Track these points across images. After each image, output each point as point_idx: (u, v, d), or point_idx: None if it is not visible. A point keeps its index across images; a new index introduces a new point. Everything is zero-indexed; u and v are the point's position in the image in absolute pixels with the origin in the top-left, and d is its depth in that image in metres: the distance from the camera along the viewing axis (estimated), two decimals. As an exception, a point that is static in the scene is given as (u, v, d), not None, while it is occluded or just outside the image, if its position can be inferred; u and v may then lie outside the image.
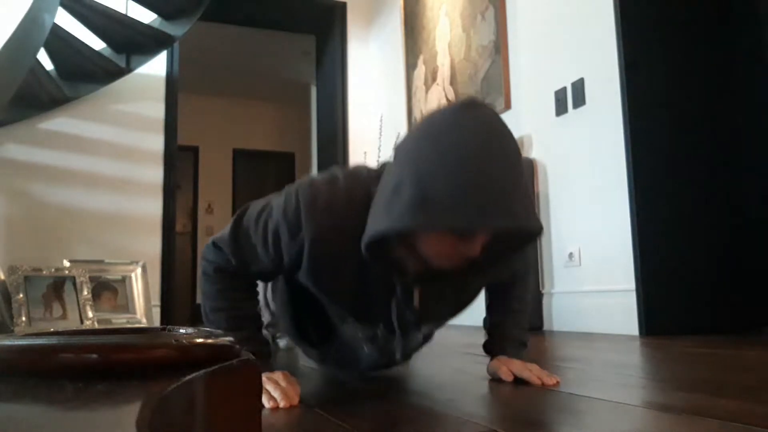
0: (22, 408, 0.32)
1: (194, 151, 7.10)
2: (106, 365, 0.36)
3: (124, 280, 3.30)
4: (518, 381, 1.13)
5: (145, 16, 3.61)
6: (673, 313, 2.25)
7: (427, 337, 1.24)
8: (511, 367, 1.15)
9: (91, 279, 3.14)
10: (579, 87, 2.65)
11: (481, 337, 1.28)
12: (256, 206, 1.08)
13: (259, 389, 0.51)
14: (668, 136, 2.38)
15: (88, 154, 3.55)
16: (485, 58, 3.35)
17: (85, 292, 3.05)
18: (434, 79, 3.93)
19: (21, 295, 2.88)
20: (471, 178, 0.84)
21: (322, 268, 1.03)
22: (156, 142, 3.71)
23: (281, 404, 0.94)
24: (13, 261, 3.05)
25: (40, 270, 3.01)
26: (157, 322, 3.44)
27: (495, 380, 1.17)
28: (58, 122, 3.51)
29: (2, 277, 2.90)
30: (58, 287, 3.01)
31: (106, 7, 3.32)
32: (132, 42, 3.53)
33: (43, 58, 3.23)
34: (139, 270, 3.35)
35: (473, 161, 0.84)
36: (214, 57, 6.20)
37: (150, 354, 0.37)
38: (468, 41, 3.53)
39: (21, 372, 0.36)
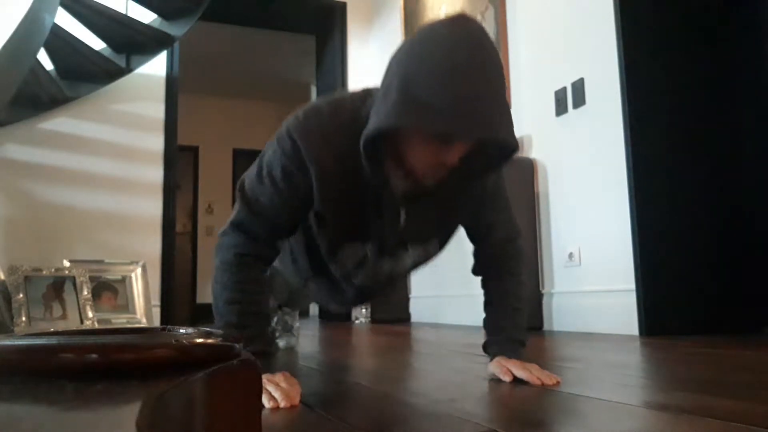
0: (22, 408, 0.32)
1: (194, 151, 7.10)
2: (106, 365, 0.36)
3: (124, 280, 3.30)
4: (518, 381, 1.13)
5: (145, 16, 3.61)
6: (673, 313, 2.25)
7: (415, 266, 1.31)
8: (510, 367, 1.15)
9: (91, 279, 3.14)
10: (579, 87, 2.65)
11: (481, 337, 1.28)
12: (250, 172, 1.14)
13: (259, 389, 0.51)
14: (668, 136, 2.38)
15: (88, 154, 3.55)
16: (485, 58, 3.35)
17: (85, 292, 3.05)
18: (434, 79, 3.93)
19: (21, 295, 2.88)
20: (456, 86, 0.89)
21: (327, 190, 1.08)
22: (156, 142, 3.72)
23: (282, 404, 0.94)
24: (13, 261, 3.05)
25: (40, 270, 3.01)
26: (157, 322, 3.44)
27: (495, 380, 1.17)
28: (58, 122, 3.51)
29: (2, 277, 2.90)
30: (58, 287, 3.01)
31: (106, 7, 3.32)
32: (132, 42, 3.53)
33: (43, 58, 3.23)
34: (139, 270, 3.35)
35: (459, 70, 0.90)
36: (214, 57, 6.20)
37: (150, 354, 0.37)
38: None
39: (21, 372, 0.36)
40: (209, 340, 0.42)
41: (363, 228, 1.16)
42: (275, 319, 1.99)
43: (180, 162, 4.28)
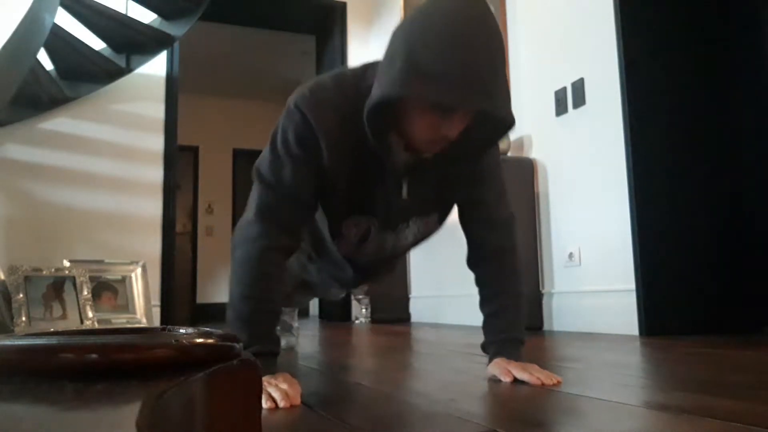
0: (22, 408, 0.32)
1: (194, 151, 7.10)
2: (106, 365, 0.36)
3: (124, 280, 3.30)
4: (518, 381, 1.13)
5: (145, 16, 3.61)
6: (673, 313, 2.25)
7: (415, 242, 1.33)
8: (510, 367, 1.15)
9: (91, 279, 3.14)
10: (579, 87, 2.65)
11: (481, 338, 1.28)
12: (263, 158, 1.16)
13: (259, 389, 0.51)
14: (668, 136, 2.38)
15: (88, 154, 3.55)
16: (485, 58, 3.35)
17: (85, 292, 3.05)
18: (434, 79, 3.92)
19: (21, 295, 2.88)
20: (459, 58, 0.92)
21: (337, 160, 1.10)
22: (156, 142, 3.72)
23: (281, 404, 0.94)
24: (13, 261, 3.05)
25: (40, 270, 3.01)
26: (157, 322, 3.44)
27: (495, 380, 1.17)
28: (58, 122, 3.51)
29: (2, 277, 2.90)
30: (58, 287, 3.01)
31: (106, 7, 3.32)
32: (132, 42, 3.53)
33: (43, 58, 3.23)
34: (139, 270, 3.35)
35: (463, 43, 0.93)
36: (214, 57, 6.20)
37: (150, 354, 0.37)
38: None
39: (21, 372, 0.36)
40: (209, 340, 0.42)
41: (368, 200, 1.19)
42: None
43: (180, 162, 4.28)
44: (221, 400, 0.41)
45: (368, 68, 1.12)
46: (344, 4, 4.69)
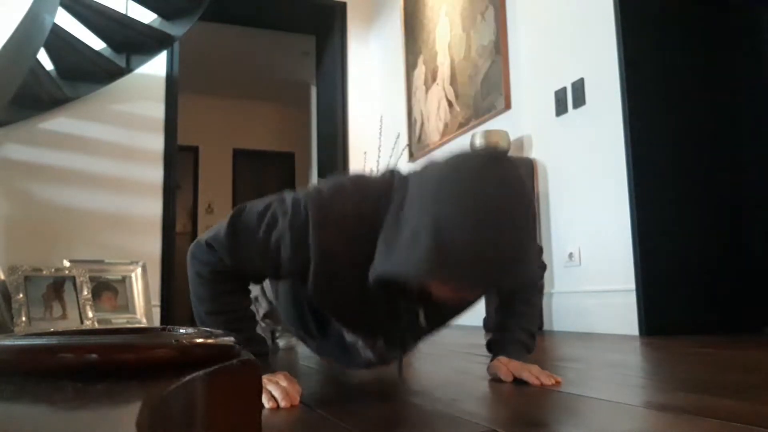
0: (22, 408, 0.32)
1: (194, 151, 7.10)
2: (106, 365, 0.36)
3: (124, 280, 3.30)
4: (518, 381, 1.13)
5: (145, 16, 3.61)
6: (673, 313, 2.25)
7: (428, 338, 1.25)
8: (510, 367, 1.15)
9: (91, 279, 3.14)
10: (579, 87, 2.65)
11: (481, 337, 1.28)
12: (253, 209, 1.04)
13: (259, 389, 0.51)
14: (668, 136, 2.38)
15: (88, 154, 3.55)
16: (485, 58, 3.35)
17: (85, 292, 3.05)
18: (434, 79, 3.93)
19: (21, 295, 2.88)
20: (488, 243, 0.84)
21: (326, 284, 1.01)
22: (156, 142, 3.72)
23: (282, 404, 0.94)
24: (13, 261, 3.05)
25: (40, 270, 3.01)
26: (157, 322, 3.44)
27: (495, 380, 1.17)
28: (58, 122, 3.51)
29: (2, 277, 2.90)
30: (58, 287, 3.01)
31: (106, 7, 3.32)
32: (132, 42, 3.53)
33: (43, 58, 3.23)
34: (139, 270, 3.35)
35: (493, 225, 0.85)
36: (214, 57, 6.20)
37: (150, 354, 0.37)
38: (468, 41, 3.53)
39: (21, 372, 0.36)
40: (209, 340, 0.42)
41: (371, 326, 1.12)
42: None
43: (180, 162, 4.28)
44: (221, 400, 0.41)
45: (389, 191, 0.98)
46: (344, 4, 4.69)
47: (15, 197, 3.39)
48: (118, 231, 3.54)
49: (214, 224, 1.12)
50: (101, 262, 3.29)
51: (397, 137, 4.31)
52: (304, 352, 1.95)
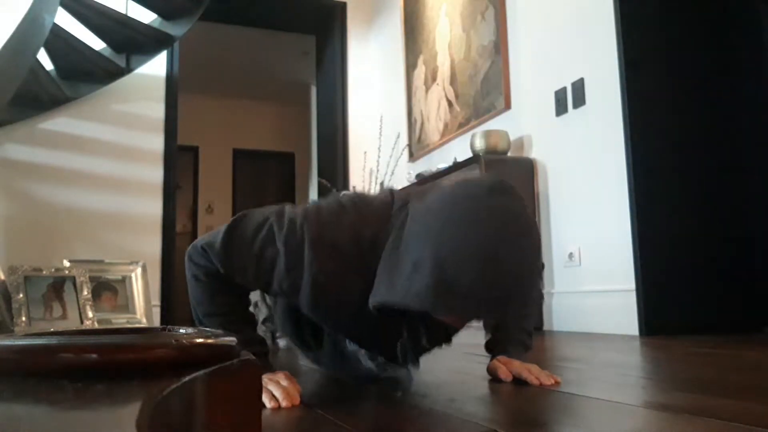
0: (22, 408, 0.32)
1: (194, 151, 7.10)
2: (106, 365, 0.36)
3: (124, 280, 3.30)
4: (518, 381, 1.13)
5: (145, 16, 3.61)
6: (673, 313, 2.25)
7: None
8: (510, 367, 1.15)
9: (91, 279, 3.14)
10: (579, 87, 2.65)
11: (481, 338, 1.28)
12: (252, 220, 1.03)
13: (259, 389, 0.51)
14: (668, 136, 2.38)
15: (88, 154, 3.55)
16: (485, 58, 3.35)
17: (85, 292, 3.05)
18: (434, 79, 3.93)
19: (21, 295, 2.88)
20: (491, 275, 0.83)
21: (322, 303, 1.01)
22: (156, 142, 3.72)
23: (283, 404, 0.94)
24: (13, 261, 3.05)
25: (40, 270, 3.01)
26: (157, 322, 3.44)
27: (495, 380, 1.17)
28: (58, 122, 3.51)
29: (2, 277, 2.90)
30: (58, 287, 3.01)
31: (106, 7, 3.32)
32: (132, 42, 3.53)
33: (43, 58, 3.23)
34: (139, 270, 3.35)
35: (496, 257, 0.83)
36: (214, 57, 6.20)
37: (150, 354, 0.37)
38: (468, 41, 3.53)
39: (21, 372, 0.36)
40: (209, 340, 0.42)
41: (368, 342, 1.12)
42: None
43: (180, 162, 4.28)
44: (221, 400, 0.41)
45: (388, 216, 0.98)
46: (344, 4, 4.69)
47: (15, 197, 3.39)
48: (118, 231, 3.54)
49: (214, 224, 1.13)
50: (101, 262, 3.29)
51: (397, 137, 4.31)
52: (304, 352, 1.95)
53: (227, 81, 6.88)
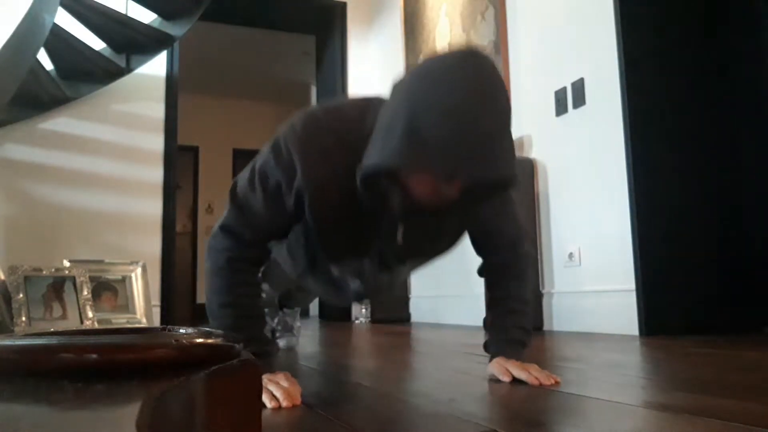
0: (22, 408, 0.32)
1: (194, 151, 7.10)
2: (106, 365, 0.36)
3: (124, 280, 3.29)
4: (517, 381, 1.13)
5: (145, 16, 3.61)
6: (673, 313, 2.25)
7: (414, 270, 1.33)
8: (509, 367, 1.15)
9: (91, 279, 3.14)
10: (579, 87, 2.65)
11: (482, 337, 1.28)
12: (243, 176, 1.12)
13: (259, 389, 0.51)
14: (668, 136, 2.38)
15: (88, 154, 3.55)
16: (485, 58, 3.35)
17: (85, 292, 3.05)
18: (434, 79, 3.93)
19: (21, 295, 2.88)
20: (462, 127, 0.88)
21: (319, 206, 1.07)
22: (156, 142, 3.72)
23: (283, 404, 0.94)
24: (13, 261, 3.05)
25: (40, 270, 3.01)
26: (157, 322, 3.44)
27: (495, 380, 1.17)
28: (58, 122, 3.51)
29: (2, 277, 2.90)
30: (58, 287, 3.01)
31: (106, 7, 3.32)
32: (132, 42, 3.53)
33: (43, 58, 3.23)
34: (139, 270, 3.34)
35: (466, 110, 0.88)
36: (214, 57, 6.20)
37: (150, 354, 0.37)
38: (468, 41, 3.53)
39: (21, 372, 0.36)
40: (209, 340, 0.42)
41: (359, 245, 1.17)
42: (276, 319, 1.99)
43: (180, 162, 4.28)
44: (221, 400, 0.41)
45: (368, 109, 1.06)
46: (344, 4, 4.69)
47: (15, 197, 3.39)
48: (118, 231, 3.54)
49: (213, 224, 1.16)
50: (101, 262, 3.29)
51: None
52: (303, 352, 1.95)
53: (227, 81, 6.88)
